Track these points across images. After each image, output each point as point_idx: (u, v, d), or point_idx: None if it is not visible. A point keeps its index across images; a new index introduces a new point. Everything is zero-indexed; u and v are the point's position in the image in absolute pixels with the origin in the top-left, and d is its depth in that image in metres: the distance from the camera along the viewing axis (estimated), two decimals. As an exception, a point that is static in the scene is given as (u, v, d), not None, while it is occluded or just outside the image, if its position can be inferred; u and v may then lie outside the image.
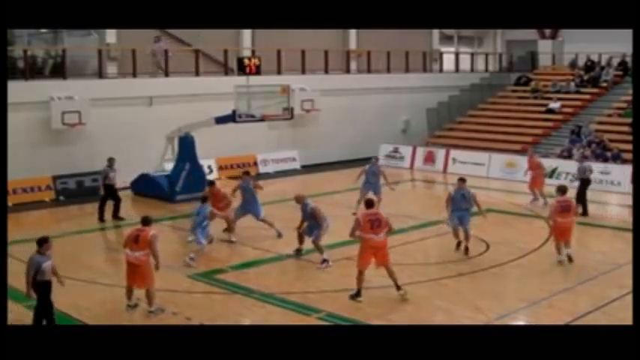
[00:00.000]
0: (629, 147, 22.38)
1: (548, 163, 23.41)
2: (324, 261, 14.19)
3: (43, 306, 10.59)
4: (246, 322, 11.70)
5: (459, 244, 15.19)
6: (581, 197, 18.46)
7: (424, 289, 12.59)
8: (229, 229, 16.42)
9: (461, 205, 15.05)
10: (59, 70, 23.01)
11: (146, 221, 11.90)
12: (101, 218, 18.49)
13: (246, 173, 17.41)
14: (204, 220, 14.60)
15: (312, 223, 14.49)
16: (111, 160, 18.66)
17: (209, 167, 23.54)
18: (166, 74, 24.46)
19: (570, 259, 14.27)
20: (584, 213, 18.21)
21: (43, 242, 10.67)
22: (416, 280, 12.57)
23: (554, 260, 14.64)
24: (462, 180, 15.52)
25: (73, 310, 11.63)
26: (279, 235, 16.33)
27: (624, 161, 22.96)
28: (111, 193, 18.66)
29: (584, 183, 18.85)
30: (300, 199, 14.71)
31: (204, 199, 15.00)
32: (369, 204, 12.54)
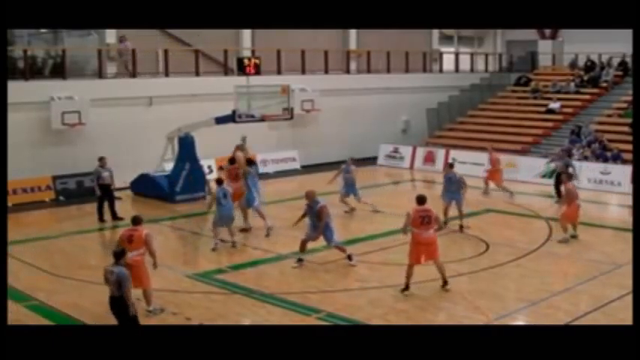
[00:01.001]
0: (629, 147, 22.38)
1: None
2: (349, 257, 14.17)
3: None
4: (246, 322, 11.69)
5: (445, 222, 16.23)
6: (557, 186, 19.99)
7: (424, 289, 12.58)
8: (245, 229, 16.52)
9: (449, 187, 16.99)
10: (59, 70, 22.99)
11: (137, 221, 11.81)
12: (101, 218, 18.44)
13: (250, 161, 17.41)
14: (224, 197, 15.47)
15: (314, 222, 14.14)
16: (102, 160, 18.34)
17: (209, 167, 23.53)
18: (166, 74, 24.46)
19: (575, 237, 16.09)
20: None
21: (121, 255, 10.03)
22: (416, 280, 12.55)
23: (554, 260, 14.67)
24: (450, 165, 17.83)
25: (73, 310, 11.64)
26: (268, 231, 16.41)
27: (624, 161, 22.96)
28: (106, 193, 18.47)
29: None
30: (310, 196, 14.24)
31: (219, 182, 15.87)
32: (421, 200, 12.64)
